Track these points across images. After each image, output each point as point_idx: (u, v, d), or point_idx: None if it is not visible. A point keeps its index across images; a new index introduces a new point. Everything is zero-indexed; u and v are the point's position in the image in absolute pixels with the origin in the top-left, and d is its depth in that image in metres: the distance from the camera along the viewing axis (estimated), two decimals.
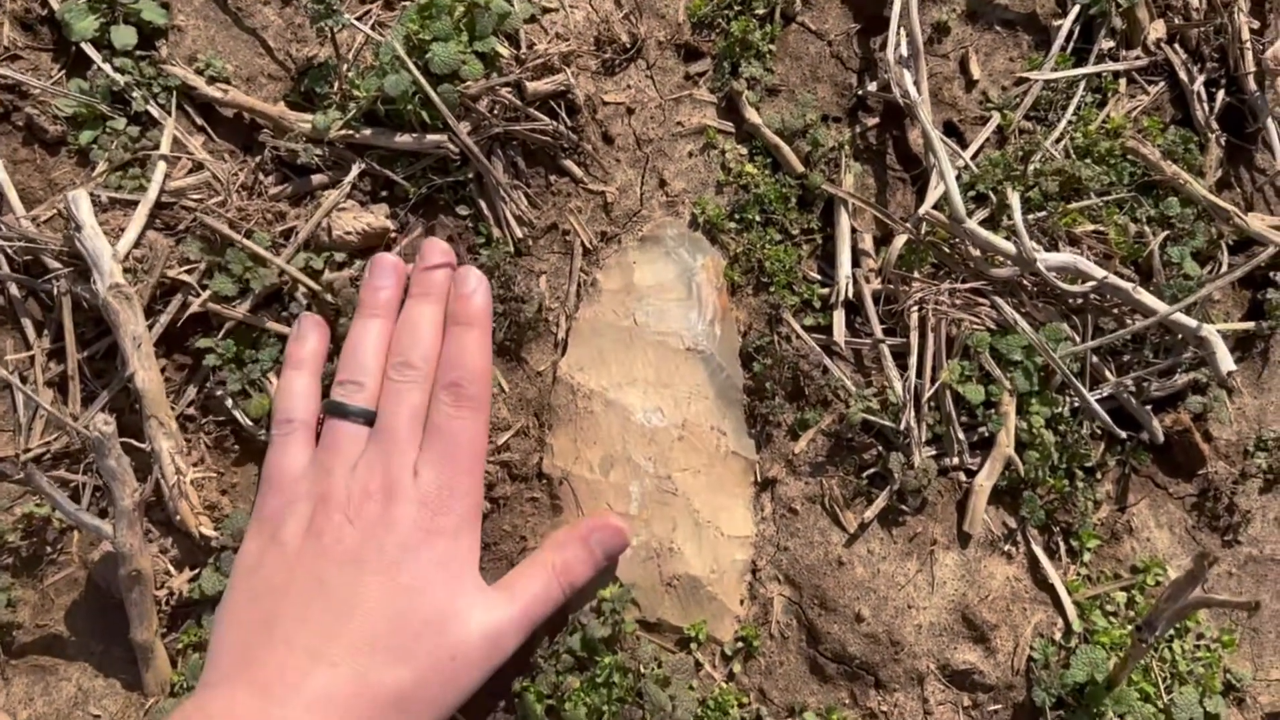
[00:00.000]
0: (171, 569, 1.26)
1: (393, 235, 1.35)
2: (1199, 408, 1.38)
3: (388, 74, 1.31)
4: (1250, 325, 1.42)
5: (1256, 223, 1.41)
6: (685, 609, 1.28)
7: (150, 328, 1.27)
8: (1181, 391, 1.39)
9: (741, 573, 1.31)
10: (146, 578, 1.20)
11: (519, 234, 1.36)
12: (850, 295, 1.37)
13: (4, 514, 1.28)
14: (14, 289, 1.31)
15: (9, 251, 1.30)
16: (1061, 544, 1.34)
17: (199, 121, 1.40)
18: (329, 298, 1.28)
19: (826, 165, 1.43)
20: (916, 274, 1.37)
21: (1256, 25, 1.51)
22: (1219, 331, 1.29)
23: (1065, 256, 1.30)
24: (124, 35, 1.36)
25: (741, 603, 1.31)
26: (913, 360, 1.33)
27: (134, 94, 1.36)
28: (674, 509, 1.29)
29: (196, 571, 1.26)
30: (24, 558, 1.28)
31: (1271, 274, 1.41)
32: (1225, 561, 1.38)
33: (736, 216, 1.40)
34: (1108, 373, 1.36)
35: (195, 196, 1.34)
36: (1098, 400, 1.35)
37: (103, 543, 1.23)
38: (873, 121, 1.48)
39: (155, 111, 1.37)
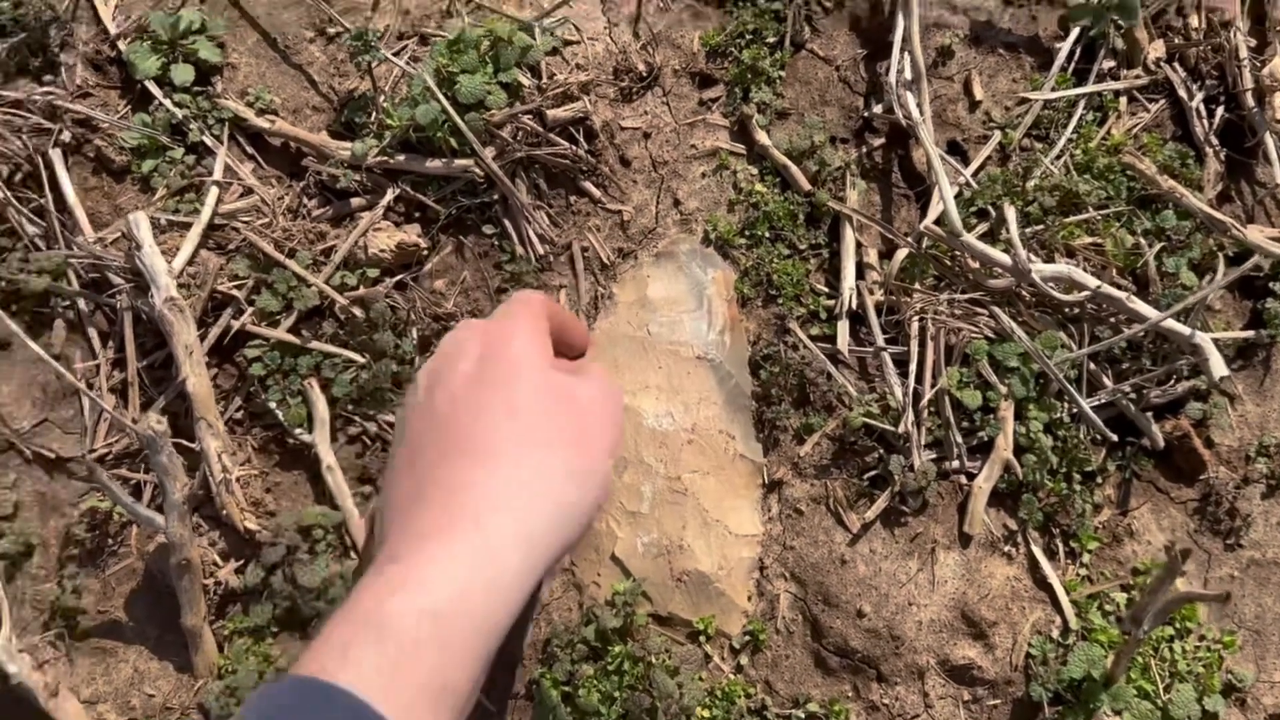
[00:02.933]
0: (219, 560, 1.37)
1: (424, 252, 1.45)
2: (1199, 414, 1.41)
3: (419, 104, 1.42)
4: (1250, 334, 1.45)
5: (1255, 234, 1.45)
6: (695, 603, 1.35)
7: (201, 338, 1.38)
8: (1182, 398, 1.42)
9: (749, 570, 1.38)
10: (195, 567, 1.30)
11: (541, 251, 1.46)
12: (854, 306, 1.44)
13: (71, 509, 1.40)
14: (82, 303, 1.44)
15: (79, 269, 1.43)
16: (1061, 545, 1.39)
17: (249, 150, 1.52)
18: (360, 312, 1.39)
19: (833, 183, 1.50)
20: (918, 285, 1.43)
21: (1254, 43, 1.55)
22: (1215, 339, 1.34)
23: (1060, 267, 1.36)
24: (183, 73, 1.50)
25: (749, 598, 1.37)
26: (913, 367, 1.40)
27: (191, 126, 1.49)
28: (684, 508, 1.37)
29: (242, 563, 1.37)
30: (88, 549, 1.39)
31: (1271, 284, 1.45)
32: (1227, 565, 1.41)
33: (747, 233, 1.48)
34: (1106, 379, 1.40)
35: (245, 218, 1.46)
36: (1097, 406, 1.39)
37: (158, 535, 1.34)
38: (878, 142, 1.55)
39: (210, 141, 1.49)
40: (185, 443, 1.36)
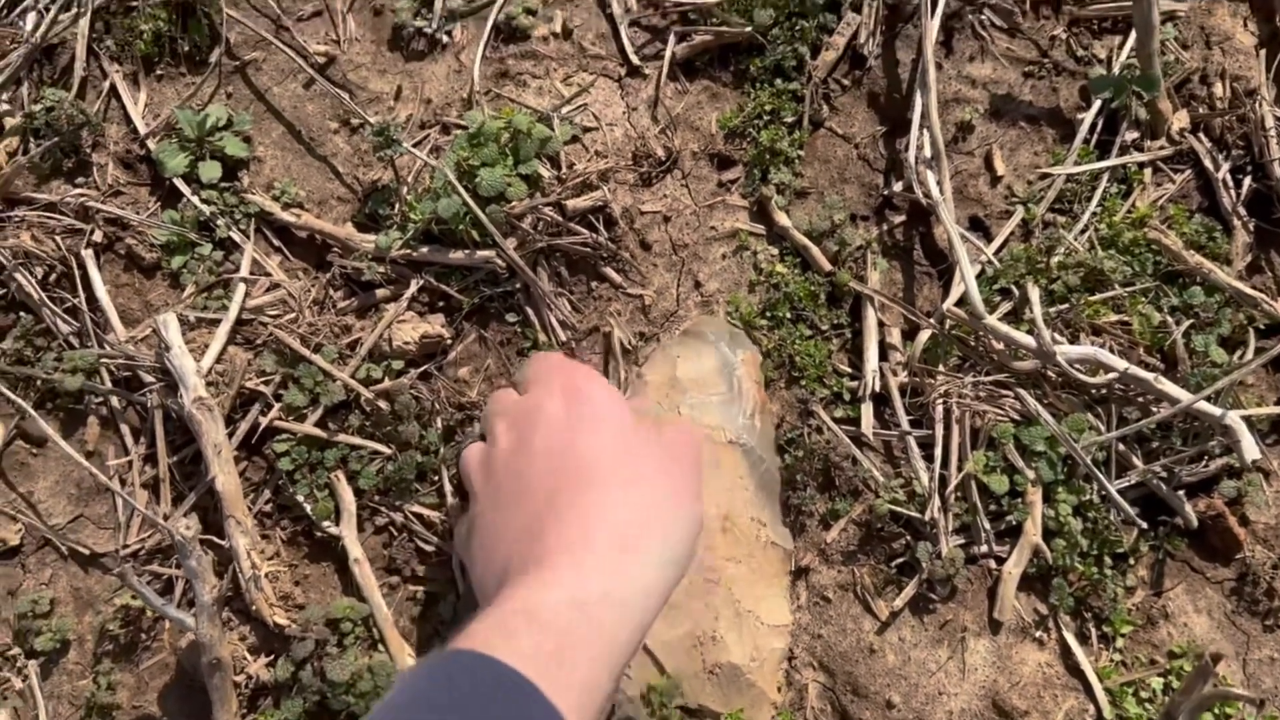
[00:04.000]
0: (249, 655, 1.38)
1: (447, 342, 1.47)
2: (1233, 492, 1.39)
3: (441, 197, 1.43)
4: None
5: None
6: (726, 696, 1.34)
7: (230, 435, 1.40)
8: (1215, 476, 1.40)
9: (779, 660, 1.37)
10: (226, 665, 1.32)
11: (563, 337, 1.47)
12: (878, 388, 1.43)
13: (105, 605, 1.42)
14: (115, 401, 1.46)
15: (111, 368, 1.46)
16: (1093, 630, 1.37)
17: (275, 243, 1.54)
18: (386, 404, 1.40)
19: (854, 263, 1.50)
20: (941, 367, 1.43)
21: None
22: (1247, 417, 1.32)
23: (1085, 349, 1.35)
24: (210, 170, 1.53)
25: (779, 689, 1.36)
26: (938, 451, 1.39)
27: (218, 222, 1.52)
28: (717, 598, 1.36)
29: (272, 658, 1.38)
30: (122, 644, 1.41)
31: None
32: (1267, 647, 1.38)
33: (768, 314, 1.48)
34: (1135, 460, 1.39)
35: (272, 312, 1.48)
36: (1128, 486, 1.38)
37: (189, 633, 1.36)
38: (899, 219, 1.55)
39: (237, 236, 1.52)
40: (215, 539, 1.38)
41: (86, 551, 1.44)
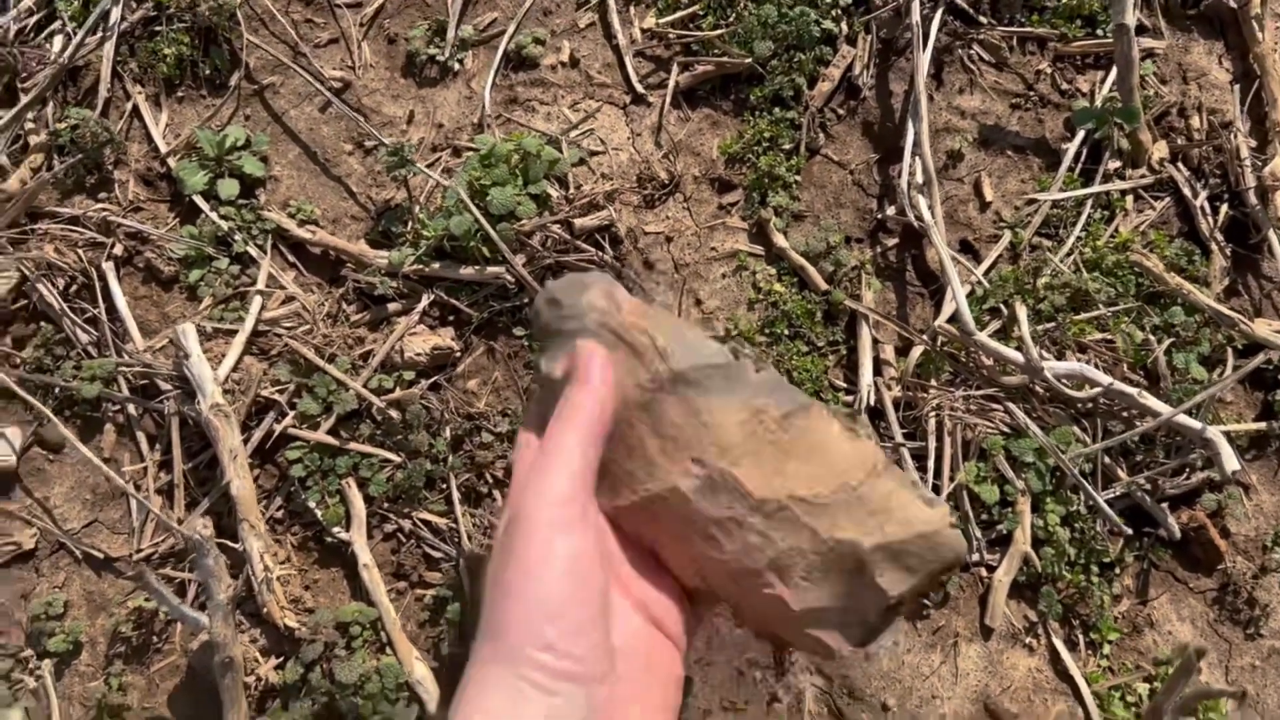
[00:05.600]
0: (259, 657, 1.41)
1: (457, 354, 1.52)
2: (1214, 505, 1.44)
3: (453, 215, 1.49)
4: (1263, 426, 1.49)
5: (1263, 329, 1.49)
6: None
7: (245, 441, 1.44)
8: (1197, 489, 1.46)
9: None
10: (237, 665, 1.34)
11: None
12: (873, 402, 1.49)
13: (118, 608, 1.45)
14: (131, 408, 1.50)
15: (129, 376, 1.50)
16: (1081, 637, 1.41)
17: (291, 258, 1.60)
18: (397, 414, 1.45)
19: (849, 282, 1.56)
20: (934, 382, 1.48)
21: (1255, 144, 1.60)
22: (1227, 432, 1.38)
23: (1072, 365, 1.40)
24: (229, 187, 1.58)
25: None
26: (931, 463, 1.44)
27: (236, 237, 1.57)
28: None
29: (281, 660, 1.41)
30: (134, 646, 1.44)
31: None
32: (1248, 654, 1.42)
33: (767, 330, 1.54)
34: (1121, 472, 1.44)
35: (287, 324, 1.53)
36: (1112, 498, 1.43)
37: (201, 633, 1.39)
38: (892, 242, 1.61)
39: (254, 251, 1.57)
40: (228, 543, 1.42)
41: (101, 555, 1.47)
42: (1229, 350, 1.50)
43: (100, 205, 1.60)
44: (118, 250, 1.57)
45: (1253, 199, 1.56)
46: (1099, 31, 1.70)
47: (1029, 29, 1.71)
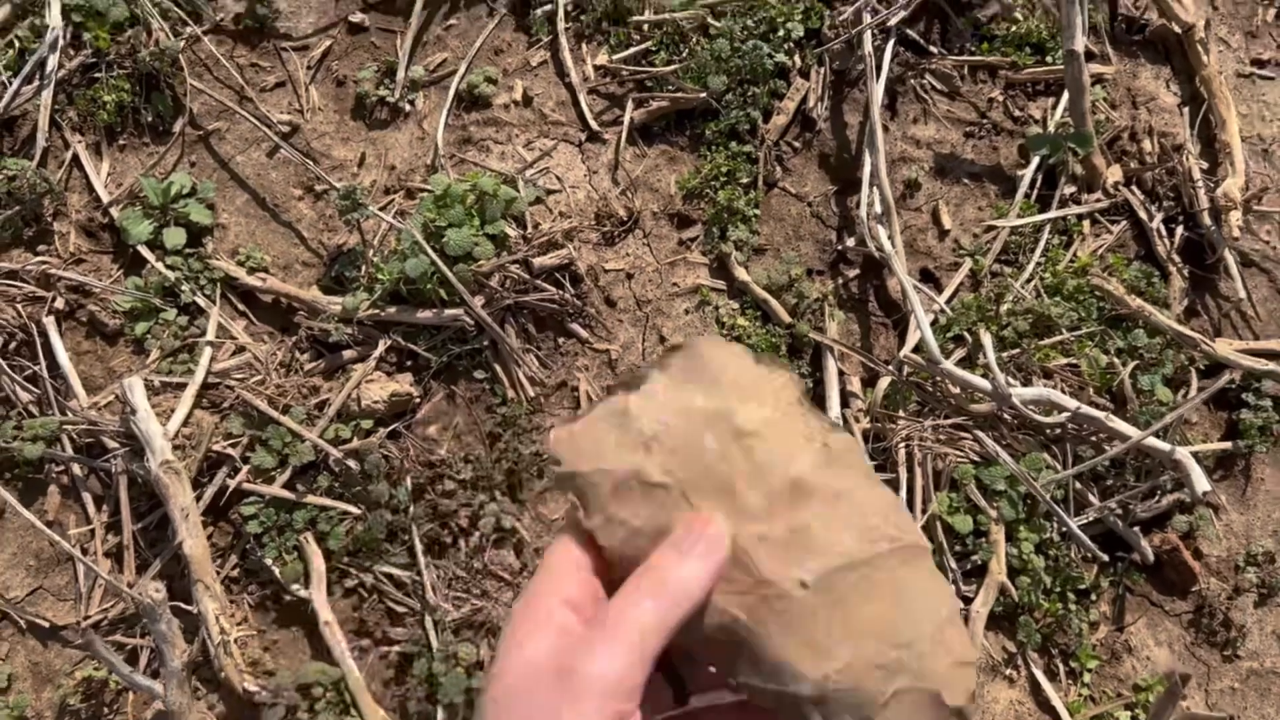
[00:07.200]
0: None
1: (416, 400, 1.48)
2: (1186, 526, 1.44)
3: (409, 258, 1.46)
4: (1228, 445, 1.49)
5: (1224, 348, 1.49)
6: None
7: (198, 498, 1.39)
8: (1168, 512, 1.45)
9: None
10: None
11: (532, 393, 1.48)
12: None
13: (66, 679, 1.38)
14: (76, 468, 1.44)
15: (73, 435, 1.44)
16: (1061, 666, 1.39)
17: (241, 307, 1.55)
18: (355, 464, 1.40)
19: (812, 315, 1.54)
20: (902, 412, 1.47)
21: (1206, 165, 1.62)
22: (1195, 453, 1.37)
23: (1039, 390, 1.40)
24: (174, 236, 1.53)
25: None
26: (902, 495, 1.42)
27: (183, 287, 1.52)
28: None
29: None
30: (84, 719, 1.37)
31: (1243, 395, 1.49)
32: (1227, 677, 1.41)
33: None
34: (1092, 497, 1.43)
35: (238, 376, 1.48)
36: (1086, 524, 1.42)
37: (155, 702, 1.32)
38: (854, 273, 1.60)
39: (202, 301, 1.52)
40: (182, 605, 1.36)
41: (46, 624, 1.40)
42: (1192, 371, 1.50)
43: (40, 258, 1.54)
44: (59, 304, 1.51)
45: (1207, 220, 1.57)
46: (1049, 59, 1.71)
47: (980, 58, 1.72)
